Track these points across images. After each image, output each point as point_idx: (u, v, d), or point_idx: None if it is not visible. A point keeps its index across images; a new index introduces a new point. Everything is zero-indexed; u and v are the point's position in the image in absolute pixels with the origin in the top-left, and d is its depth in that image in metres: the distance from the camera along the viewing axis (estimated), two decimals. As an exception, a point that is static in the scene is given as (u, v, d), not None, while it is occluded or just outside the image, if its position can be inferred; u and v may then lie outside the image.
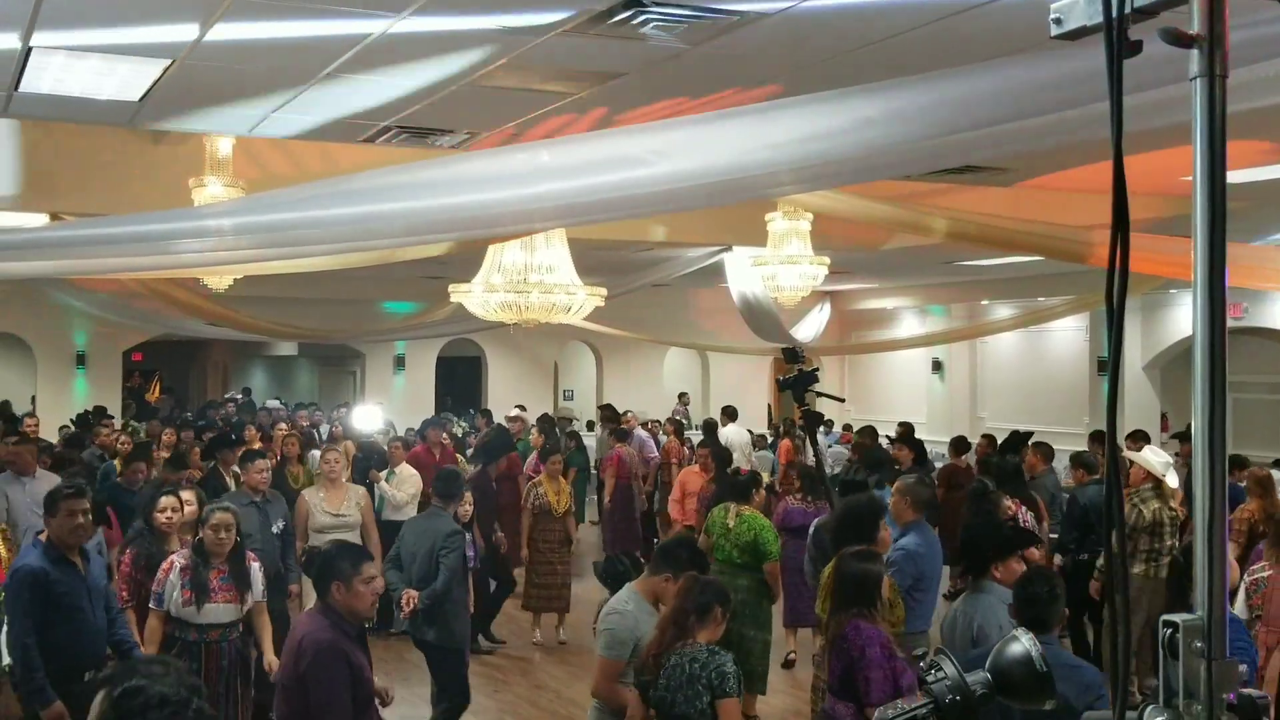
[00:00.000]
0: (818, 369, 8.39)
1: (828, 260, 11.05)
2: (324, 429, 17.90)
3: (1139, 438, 12.81)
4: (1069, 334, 18.91)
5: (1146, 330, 17.79)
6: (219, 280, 9.99)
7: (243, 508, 8.25)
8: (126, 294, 14.19)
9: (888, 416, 19.90)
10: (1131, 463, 9.03)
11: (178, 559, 6.65)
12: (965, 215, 7.97)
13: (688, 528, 11.24)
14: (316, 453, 12.72)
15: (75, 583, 6.03)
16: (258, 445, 12.26)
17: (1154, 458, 9.06)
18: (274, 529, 8.58)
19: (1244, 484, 9.45)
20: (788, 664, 10.30)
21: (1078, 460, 10.64)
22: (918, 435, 16.20)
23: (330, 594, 5.01)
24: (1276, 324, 16.06)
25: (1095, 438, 13.19)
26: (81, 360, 20.40)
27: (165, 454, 12.54)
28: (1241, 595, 6.64)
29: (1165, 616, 1.53)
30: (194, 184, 8.29)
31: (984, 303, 20.31)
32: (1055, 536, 10.03)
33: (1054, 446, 12.03)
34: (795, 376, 8.42)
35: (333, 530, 8.93)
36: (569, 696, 9.47)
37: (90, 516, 6.30)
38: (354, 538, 8.88)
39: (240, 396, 24.46)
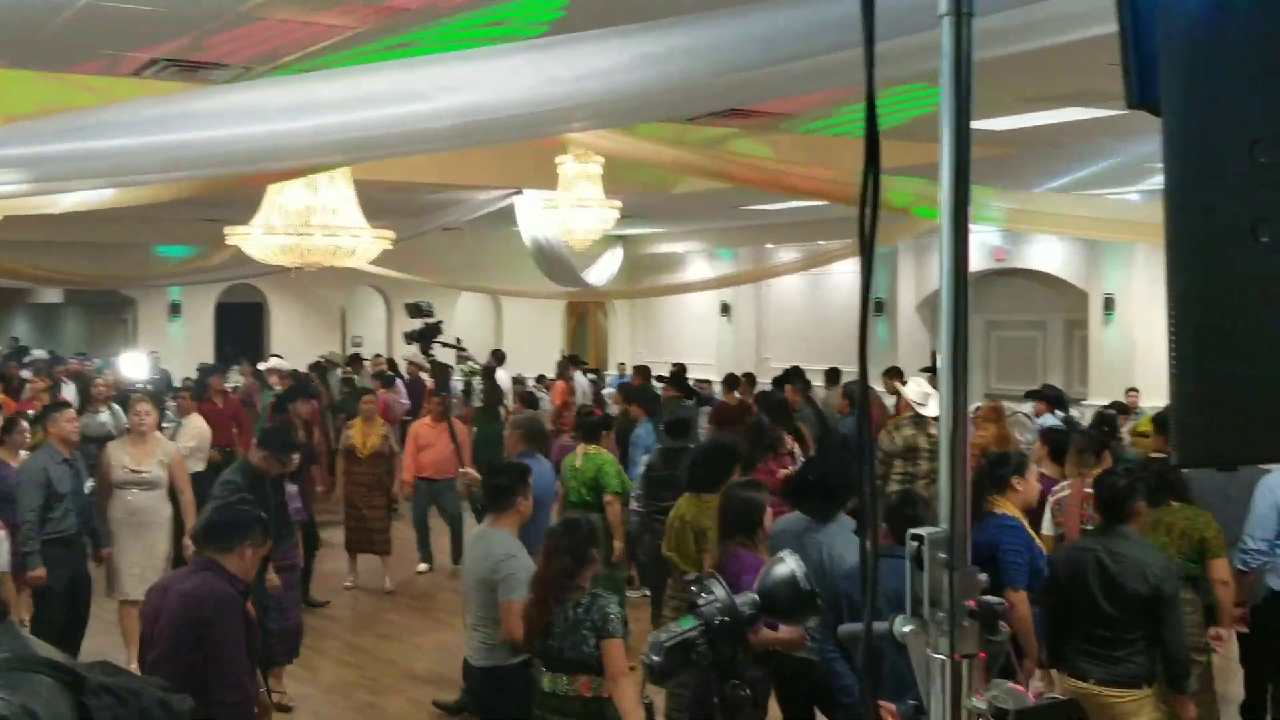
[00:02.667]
0: (441, 321, 8.73)
1: (619, 204, 11.12)
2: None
3: (893, 374, 13.56)
4: (849, 276, 19.55)
5: (919, 272, 18.56)
6: (-26, 221, 9.38)
7: (56, 466, 7.91)
8: None
9: (679, 357, 20.24)
10: (896, 396, 9.60)
11: None
12: (750, 159, 8.14)
13: (425, 480, 11.30)
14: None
15: None
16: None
17: (913, 389, 9.63)
18: (85, 489, 8.14)
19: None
20: None
21: (846, 392, 11.35)
22: (708, 376, 16.61)
23: (228, 555, 4.84)
24: (1037, 265, 16.99)
25: (889, 374, 13.88)
26: None
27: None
28: (1047, 516, 7.13)
29: (912, 530, 1.63)
30: (-57, 117, 7.77)
31: (769, 246, 20.80)
32: None
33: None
34: (421, 330, 8.68)
35: (132, 488, 8.40)
36: (415, 643, 9.39)
37: None
38: (157, 498, 8.49)
39: (3, 349, 23.09)
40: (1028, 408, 12.10)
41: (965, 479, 1.67)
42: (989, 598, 1.63)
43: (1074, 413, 13.34)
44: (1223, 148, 1.50)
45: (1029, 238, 16.35)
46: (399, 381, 16.82)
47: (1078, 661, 5.40)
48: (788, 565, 2.16)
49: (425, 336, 8.51)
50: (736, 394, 13.93)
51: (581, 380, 17.90)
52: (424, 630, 9.68)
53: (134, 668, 8.46)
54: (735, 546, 5.47)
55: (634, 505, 8.58)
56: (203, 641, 4.66)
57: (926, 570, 1.62)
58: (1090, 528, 6.30)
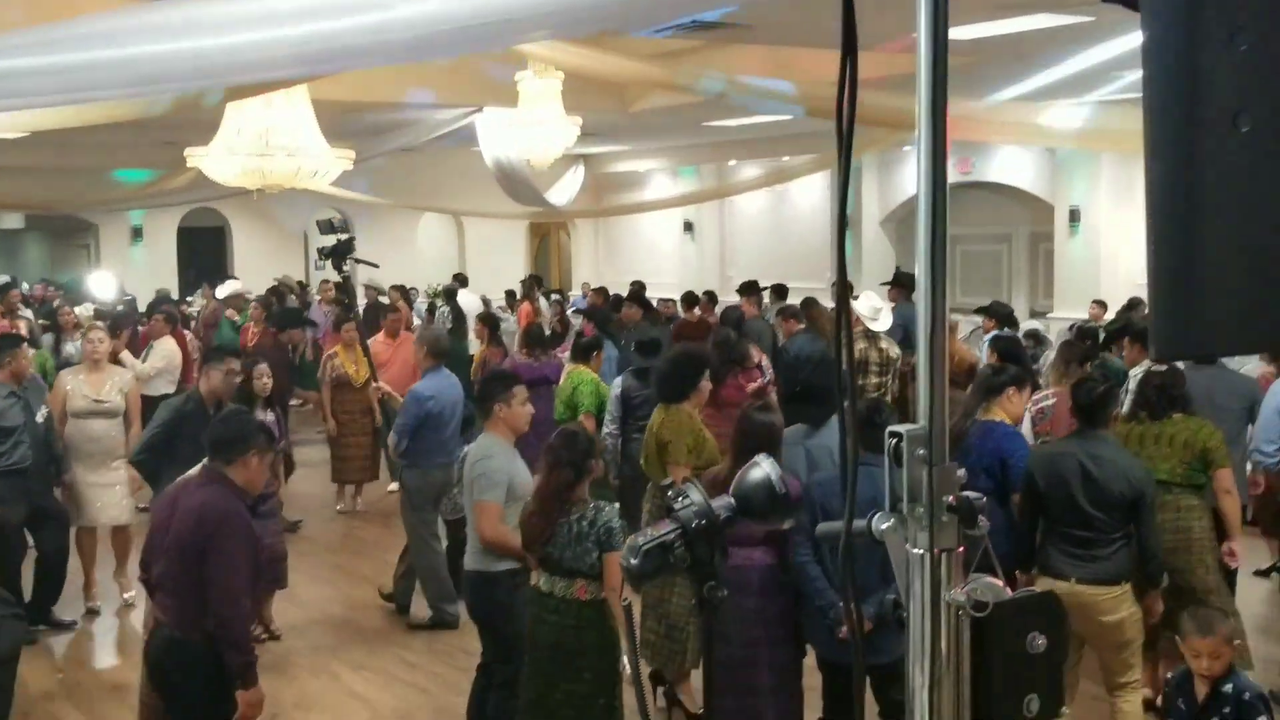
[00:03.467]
0: (353, 238, 8.71)
1: (580, 121, 10.98)
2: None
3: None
4: (812, 192, 19.50)
5: (882, 187, 18.53)
6: (-73, 145, 9.17)
7: (3, 399, 7.71)
8: None
9: (642, 277, 20.19)
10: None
11: None
12: (712, 72, 8.04)
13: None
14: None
15: None
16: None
17: (864, 304, 9.73)
18: (39, 418, 7.99)
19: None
20: None
21: (787, 312, 11.41)
22: (671, 295, 16.60)
23: (233, 465, 4.86)
24: (1000, 178, 16.98)
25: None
26: None
27: None
28: (1027, 423, 7.23)
29: (891, 428, 1.62)
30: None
31: (731, 163, 20.68)
32: None
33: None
34: (334, 246, 8.69)
35: (92, 417, 8.31)
36: (388, 560, 9.41)
37: None
38: (116, 426, 8.42)
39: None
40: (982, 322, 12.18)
41: (944, 376, 1.65)
42: (968, 493, 1.62)
43: (1038, 325, 13.44)
44: (1202, 36, 1.47)
45: (994, 150, 16.33)
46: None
47: (1056, 562, 5.50)
48: (763, 469, 2.16)
49: (338, 253, 8.53)
50: (697, 311, 14.02)
51: (543, 302, 17.88)
52: (395, 547, 9.68)
53: (93, 591, 8.48)
54: None
55: (609, 427, 8.61)
56: (206, 555, 4.67)
57: (905, 467, 1.61)
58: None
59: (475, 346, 15.10)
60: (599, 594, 5.07)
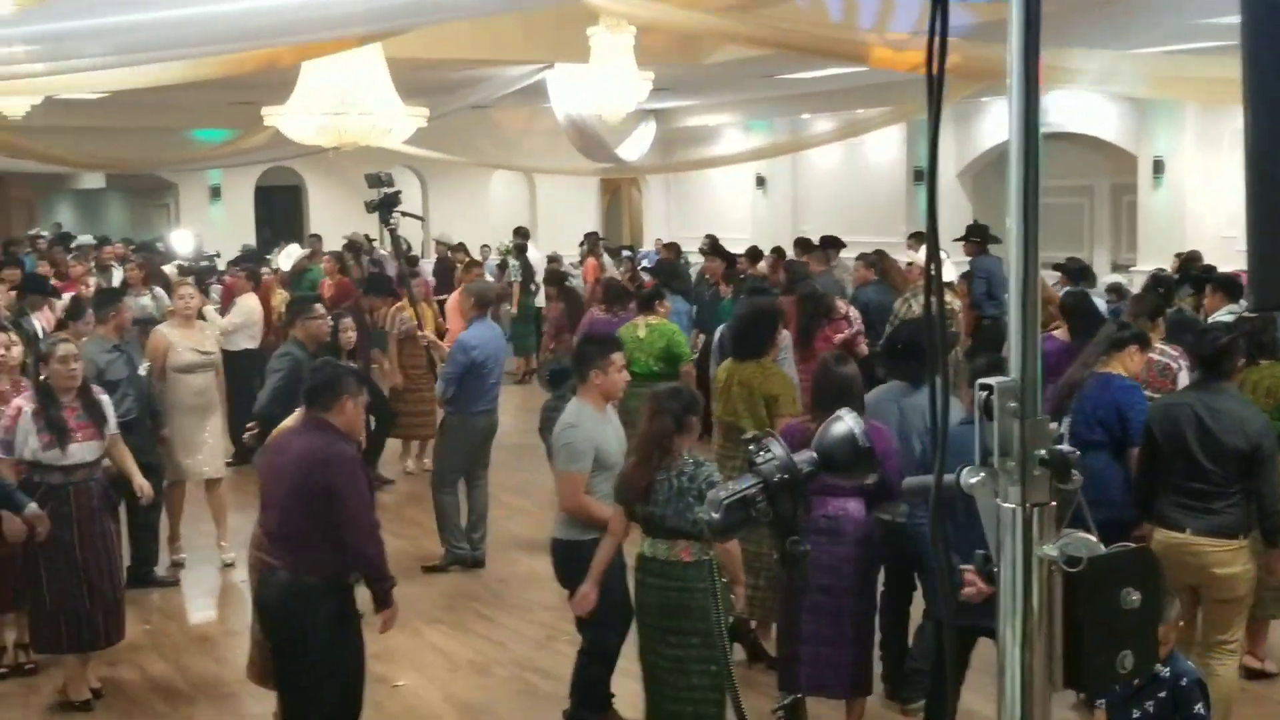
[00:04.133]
0: (399, 191, 8.83)
1: (652, 75, 10.90)
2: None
3: (920, 238, 13.46)
4: (887, 145, 19.23)
5: (959, 139, 18.21)
6: (13, 107, 9.34)
7: (107, 354, 7.86)
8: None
9: (713, 232, 20.09)
10: (911, 263, 9.57)
11: (23, 402, 6.29)
12: (785, 23, 7.94)
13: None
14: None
15: None
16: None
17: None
18: (140, 371, 8.14)
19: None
20: None
21: (866, 260, 11.33)
22: (741, 250, 16.47)
23: (331, 411, 4.99)
24: (1081, 129, 16.61)
25: (915, 238, 13.74)
26: None
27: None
28: None
29: (981, 380, 1.59)
30: (-25, 1, 7.67)
31: (805, 116, 20.44)
32: None
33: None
34: (381, 199, 8.78)
35: (198, 369, 8.44)
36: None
37: None
38: (214, 379, 8.59)
39: (47, 234, 23.17)
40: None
41: (1036, 329, 1.62)
42: (1061, 446, 1.59)
43: (1121, 279, 13.22)
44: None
45: (1075, 100, 15.95)
46: (423, 263, 16.79)
47: (1172, 514, 5.42)
48: (845, 423, 2.14)
49: (384, 207, 8.68)
50: (761, 267, 13.96)
51: (607, 259, 17.90)
52: (462, 503, 9.75)
53: (178, 544, 8.64)
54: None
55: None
56: (331, 498, 4.77)
57: (996, 419, 1.58)
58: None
59: (544, 301, 15.21)
60: (702, 554, 4.98)
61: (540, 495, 10.49)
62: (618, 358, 5.88)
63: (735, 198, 22.49)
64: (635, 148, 18.86)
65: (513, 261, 17.17)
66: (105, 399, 6.61)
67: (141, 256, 14.68)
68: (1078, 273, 11.67)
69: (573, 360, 6.09)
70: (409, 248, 17.96)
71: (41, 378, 6.40)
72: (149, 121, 17.67)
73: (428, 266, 16.54)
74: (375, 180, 8.77)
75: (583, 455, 5.56)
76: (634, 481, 5.11)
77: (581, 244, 19.27)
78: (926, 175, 1.55)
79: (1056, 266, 12.19)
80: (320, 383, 5.10)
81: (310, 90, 9.03)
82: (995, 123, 17.22)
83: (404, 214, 9.38)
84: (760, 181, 21.81)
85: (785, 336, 7.14)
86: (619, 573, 5.54)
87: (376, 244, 18.53)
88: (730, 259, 13.73)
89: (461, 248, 17.38)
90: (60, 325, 9.56)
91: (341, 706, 5.04)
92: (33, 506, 5.85)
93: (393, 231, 9.14)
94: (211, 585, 8.48)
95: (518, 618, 7.62)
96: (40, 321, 10.31)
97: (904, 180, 18.98)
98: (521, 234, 18.63)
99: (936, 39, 1.56)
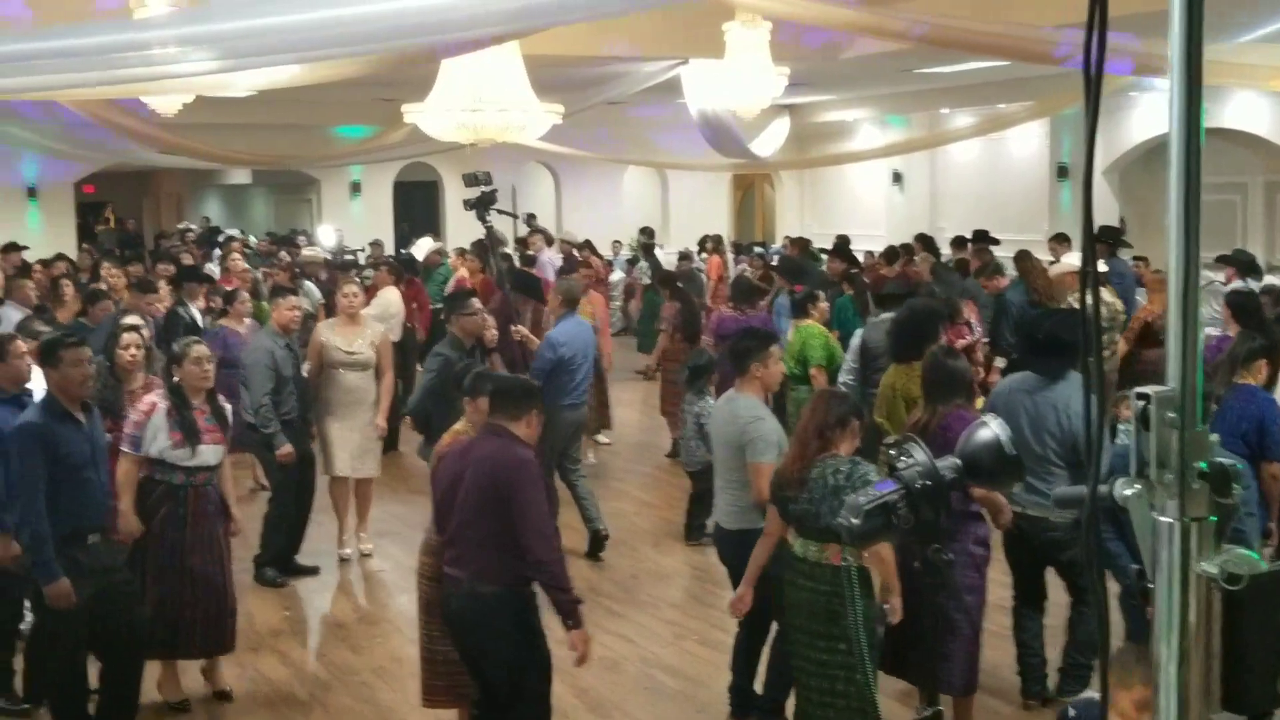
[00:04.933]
0: (496, 189, 8.89)
1: (787, 71, 10.82)
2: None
3: (1062, 240, 13.10)
4: (1029, 140, 18.80)
5: (1106, 134, 17.69)
6: (167, 105, 9.68)
7: (279, 350, 8.14)
8: (76, 124, 13.81)
9: (848, 229, 19.90)
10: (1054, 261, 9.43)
11: (158, 399, 6.28)
12: (928, 17, 7.81)
13: None
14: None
15: (77, 441, 5.49)
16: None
17: (1074, 258, 9.54)
18: (303, 370, 8.39)
19: None
20: None
21: (989, 270, 11.11)
22: (874, 249, 16.31)
23: (517, 422, 5.03)
24: (1234, 124, 16.01)
25: (1058, 239, 13.38)
26: (32, 193, 19.98)
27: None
28: None
29: (1138, 389, 1.54)
30: (134, 4, 7.96)
31: (943, 111, 20.09)
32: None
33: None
34: (478, 197, 8.78)
35: (344, 369, 8.53)
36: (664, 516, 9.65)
37: (93, 367, 5.74)
38: (368, 379, 8.63)
39: (196, 228, 24.03)
40: (1221, 275, 11.54)
41: (1195, 335, 1.56)
42: (1222, 459, 1.52)
43: (1276, 280, 12.72)
44: None
45: (1227, 94, 15.38)
46: (543, 259, 16.88)
47: None
48: (991, 429, 2.09)
49: (481, 204, 8.77)
50: (897, 266, 13.72)
51: (730, 257, 17.92)
52: (605, 496, 9.81)
53: (345, 538, 8.83)
54: (956, 408, 5.48)
55: (845, 377, 8.60)
56: (509, 503, 4.81)
57: (1154, 430, 1.53)
58: None
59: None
60: (851, 559, 4.92)
61: (668, 491, 10.52)
62: (776, 351, 5.99)
63: (870, 194, 22.22)
64: (769, 143, 18.75)
65: (642, 261, 17.25)
66: (229, 407, 6.65)
67: (270, 256, 15.03)
68: (1246, 265, 11.25)
69: (732, 353, 6.12)
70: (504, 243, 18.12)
71: (175, 380, 6.37)
72: (293, 118, 18.18)
73: (554, 262, 16.57)
74: (472, 179, 8.91)
75: (774, 446, 5.63)
76: (789, 473, 5.09)
77: (704, 242, 19.20)
78: (1084, 174, 1.51)
79: (1221, 259, 11.80)
80: (512, 394, 5.13)
81: (449, 87, 9.16)
82: (1145, 117, 16.69)
83: (500, 211, 9.53)
84: (896, 177, 21.51)
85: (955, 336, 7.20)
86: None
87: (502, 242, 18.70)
88: (851, 259, 13.55)
89: (587, 245, 17.48)
90: (221, 314, 9.95)
91: (529, 715, 5.08)
92: (65, 581, 5.43)
93: (489, 229, 9.29)
94: (351, 574, 8.67)
95: (647, 614, 7.65)
96: (197, 309, 10.71)
97: (1047, 176, 18.54)
98: (647, 233, 18.71)
99: (1095, 35, 1.51)
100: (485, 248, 15.13)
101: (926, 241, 16.11)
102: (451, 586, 5.05)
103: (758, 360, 5.84)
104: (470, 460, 5.01)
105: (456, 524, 5.00)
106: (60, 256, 15.50)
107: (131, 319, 7.83)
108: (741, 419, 5.77)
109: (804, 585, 5.04)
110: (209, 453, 6.31)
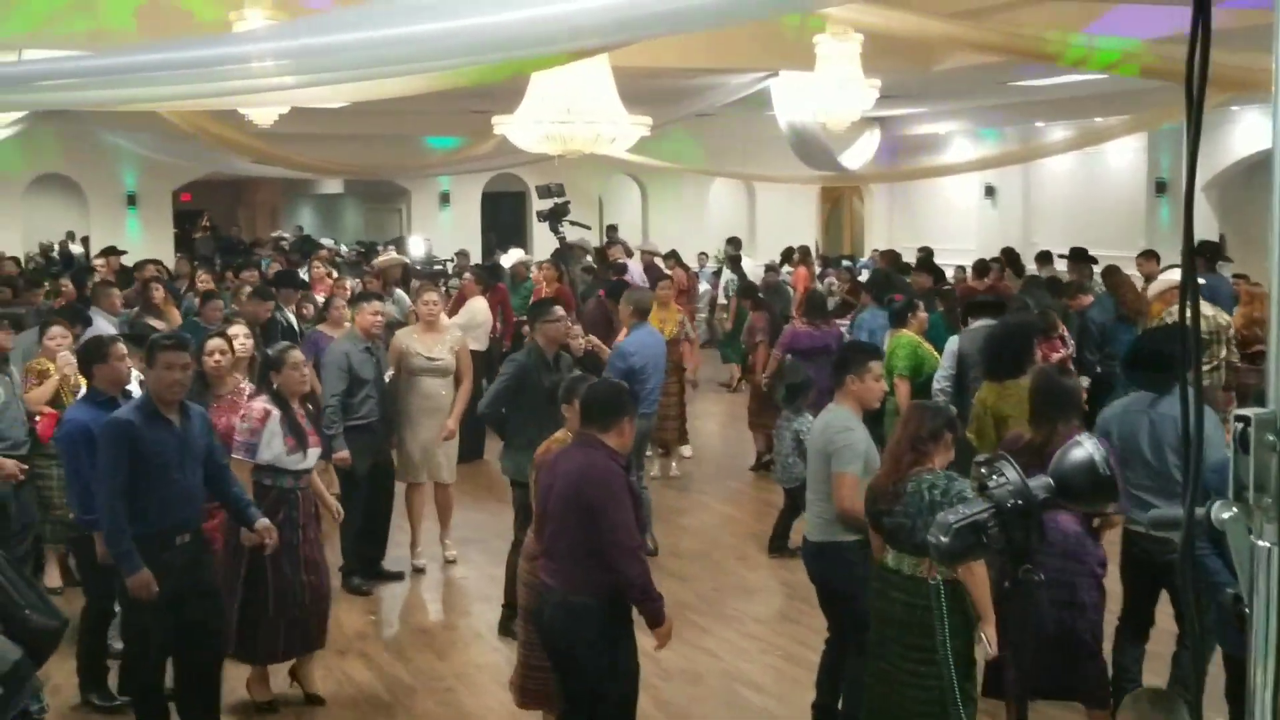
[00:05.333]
0: (568, 201, 8.83)
1: (878, 83, 10.76)
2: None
3: (1150, 256, 12.86)
4: (1126, 155, 18.49)
5: (1206, 150, 17.32)
6: (263, 115, 9.89)
7: (358, 353, 8.21)
8: (175, 133, 14.16)
9: (938, 243, 19.70)
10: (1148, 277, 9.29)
11: (269, 406, 6.41)
12: (1023, 29, 7.73)
13: None
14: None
15: (167, 442, 5.54)
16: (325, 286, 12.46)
17: (1173, 275, 9.46)
18: (386, 377, 8.46)
19: None
20: None
21: (1072, 289, 10.94)
22: (964, 263, 16.12)
23: (611, 431, 5.04)
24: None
25: (1146, 256, 13.12)
26: (132, 201, 20.53)
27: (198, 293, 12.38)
28: None
29: (1237, 411, 1.52)
30: (234, 18, 8.16)
31: (1038, 124, 19.83)
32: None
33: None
34: (551, 209, 8.77)
35: (427, 375, 8.59)
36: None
37: (189, 371, 5.80)
38: (447, 385, 8.70)
39: (289, 236, 24.49)
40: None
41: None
42: (1326, 485, 1.50)
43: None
44: None
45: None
46: (633, 269, 16.92)
47: None
48: (1085, 448, 2.07)
49: (554, 216, 8.81)
50: (988, 280, 13.57)
51: (818, 269, 17.88)
52: (689, 511, 9.84)
53: (419, 550, 8.88)
54: (1074, 429, 5.35)
55: (940, 384, 8.54)
56: (595, 516, 4.83)
57: (1253, 453, 1.51)
58: None
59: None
60: (950, 573, 4.87)
61: (752, 505, 10.51)
62: (876, 366, 5.90)
63: (962, 207, 21.98)
64: (859, 156, 18.66)
65: (727, 272, 17.21)
66: (310, 408, 6.80)
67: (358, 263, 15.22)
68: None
69: (833, 366, 6.05)
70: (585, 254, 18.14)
71: (274, 385, 6.50)
72: (385, 129, 18.48)
73: (639, 272, 16.60)
74: (545, 191, 9.05)
75: (860, 457, 5.57)
76: (883, 486, 5.07)
77: (791, 254, 19.09)
78: (1185, 190, 1.48)
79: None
80: (604, 404, 5.12)
81: (538, 99, 9.24)
82: (1247, 133, 16.34)
83: (572, 223, 9.64)
84: (989, 191, 21.26)
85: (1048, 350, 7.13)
86: (865, 573, 5.52)
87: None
88: (937, 273, 13.40)
89: (672, 255, 17.52)
90: (319, 319, 10.12)
91: None
92: (264, 520, 5.89)
93: (562, 240, 9.39)
94: (434, 580, 8.76)
95: (731, 628, 7.64)
96: (290, 315, 10.90)
97: (1144, 191, 18.21)
98: (734, 244, 18.67)
99: (1198, 50, 1.50)
100: (562, 257, 15.27)
101: (1011, 257, 15.89)
102: (545, 594, 5.11)
103: (854, 373, 5.78)
104: (559, 472, 5.05)
105: (549, 534, 5.06)
106: (150, 261, 15.86)
107: (236, 327, 7.95)
108: (831, 429, 5.76)
109: (897, 598, 5.02)
110: (313, 455, 6.50)
